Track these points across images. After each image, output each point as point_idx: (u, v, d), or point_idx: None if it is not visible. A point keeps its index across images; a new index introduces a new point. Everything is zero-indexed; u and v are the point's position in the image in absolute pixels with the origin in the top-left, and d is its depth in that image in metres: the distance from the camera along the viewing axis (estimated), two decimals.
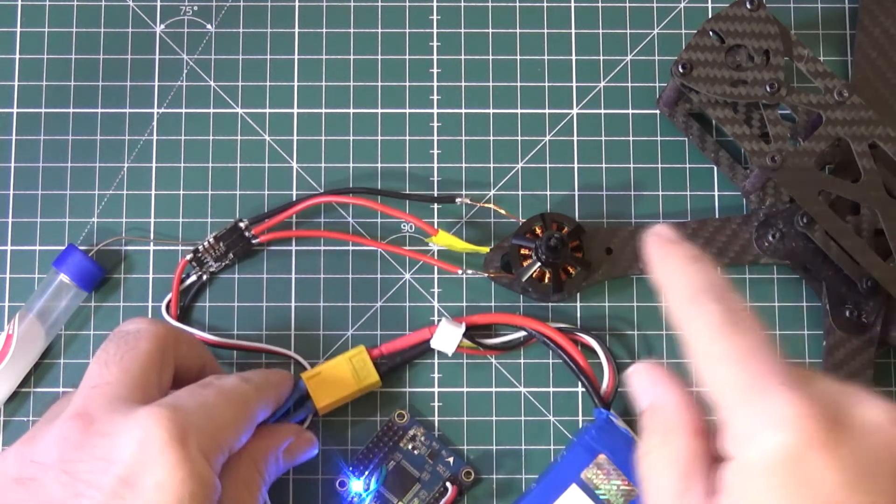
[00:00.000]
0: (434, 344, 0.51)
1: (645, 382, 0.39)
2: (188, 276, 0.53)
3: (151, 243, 0.54)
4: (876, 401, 0.35)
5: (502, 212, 0.53)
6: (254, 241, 0.52)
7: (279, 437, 0.48)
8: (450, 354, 0.52)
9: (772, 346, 0.36)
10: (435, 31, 0.56)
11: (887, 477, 0.33)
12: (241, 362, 0.53)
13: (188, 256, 0.52)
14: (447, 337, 0.51)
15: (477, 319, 0.52)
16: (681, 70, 0.49)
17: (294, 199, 0.54)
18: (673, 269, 0.38)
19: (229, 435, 0.43)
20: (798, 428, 0.33)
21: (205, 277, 0.53)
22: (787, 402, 0.34)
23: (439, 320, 0.52)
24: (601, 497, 0.48)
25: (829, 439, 0.33)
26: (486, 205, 0.54)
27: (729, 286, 0.37)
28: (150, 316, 0.53)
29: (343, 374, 0.51)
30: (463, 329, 0.51)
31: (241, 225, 0.52)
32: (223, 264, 0.53)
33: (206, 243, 0.52)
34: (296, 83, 0.55)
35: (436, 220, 0.54)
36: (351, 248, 0.54)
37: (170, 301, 0.52)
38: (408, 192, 0.54)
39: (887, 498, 0.33)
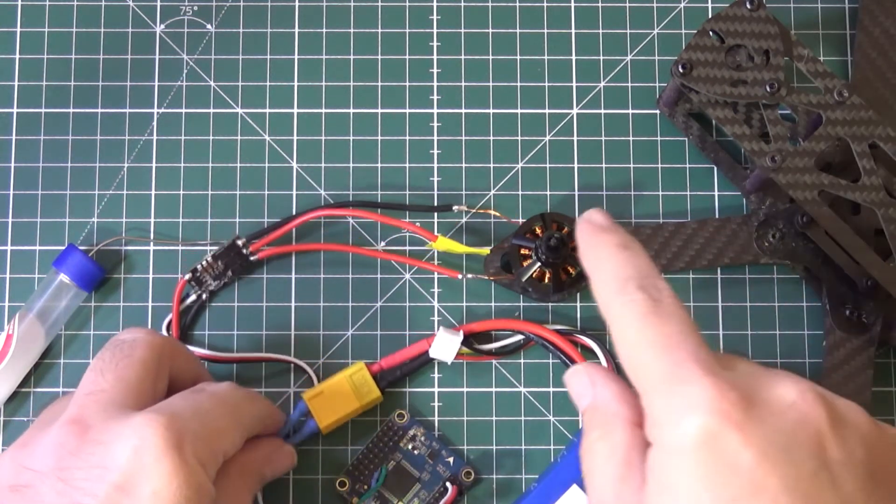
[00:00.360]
0: (433, 353, 0.51)
1: (584, 383, 0.39)
2: (188, 295, 0.52)
3: (151, 243, 0.54)
4: (790, 379, 0.36)
5: (499, 215, 0.53)
6: (252, 258, 0.52)
7: (264, 449, 0.48)
8: (449, 363, 0.52)
9: (695, 333, 0.36)
10: (435, 31, 0.56)
11: (802, 450, 0.34)
12: (241, 362, 0.53)
13: (187, 276, 0.52)
14: (445, 346, 0.51)
15: (475, 327, 0.52)
16: (681, 70, 0.49)
17: (294, 198, 0.54)
18: (600, 258, 0.39)
19: (224, 441, 0.43)
20: (713, 410, 0.34)
21: (204, 296, 0.52)
22: (703, 386, 0.34)
23: (439, 321, 0.52)
24: None
25: (744, 419, 0.34)
26: (484, 210, 0.54)
27: (656, 273, 0.38)
28: (149, 317, 0.53)
29: (344, 391, 0.51)
30: (461, 337, 0.51)
31: (239, 242, 0.52)
32: (222, 283, 0.52)
33: (204, 262, 0.52)
34: (296, 83, 0.55)
35: (435, 223, 0.54)
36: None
37: (170, 322, 0.52)
38: (407, 198, 0.54)
39: (804, 469, 0.34)
